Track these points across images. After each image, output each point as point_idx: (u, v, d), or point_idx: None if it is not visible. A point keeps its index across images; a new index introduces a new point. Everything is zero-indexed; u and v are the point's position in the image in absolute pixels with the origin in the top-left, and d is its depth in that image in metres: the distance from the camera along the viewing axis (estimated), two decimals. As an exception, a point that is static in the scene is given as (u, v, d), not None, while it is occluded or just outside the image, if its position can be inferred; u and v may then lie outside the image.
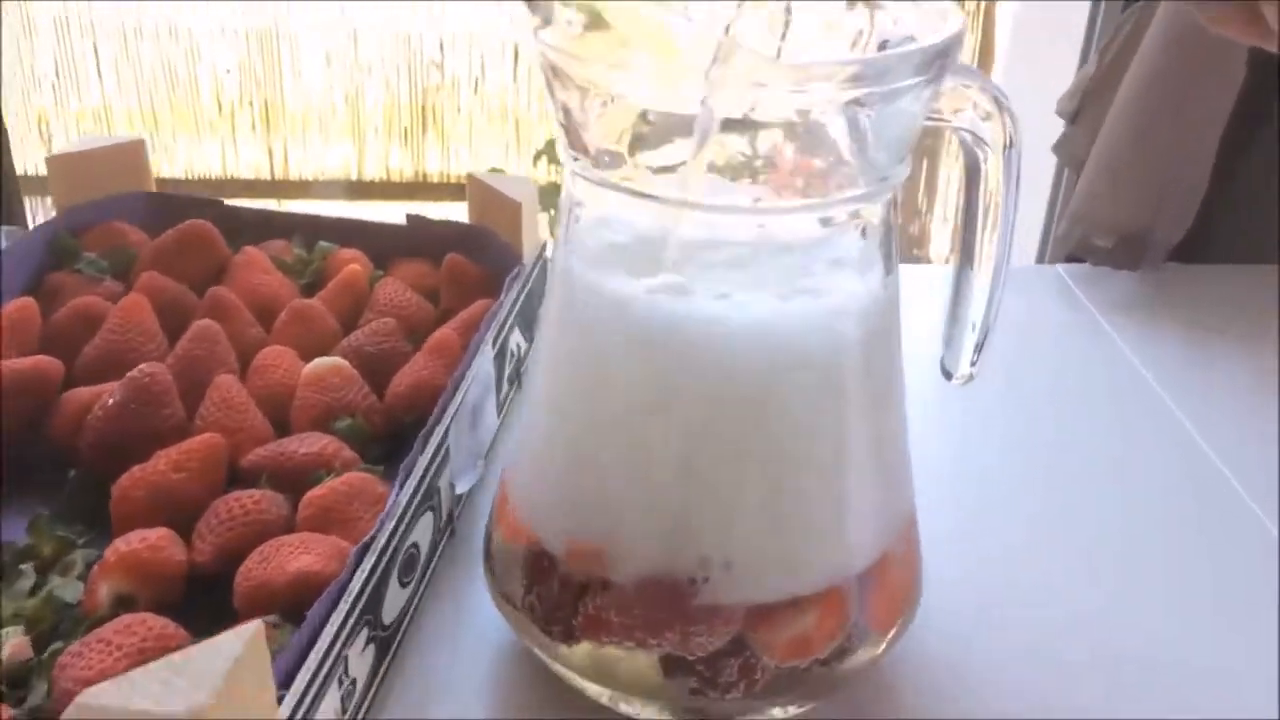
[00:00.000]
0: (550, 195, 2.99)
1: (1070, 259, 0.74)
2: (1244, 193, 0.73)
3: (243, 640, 0.30)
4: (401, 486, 0.41)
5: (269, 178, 3.20)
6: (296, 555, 0.38)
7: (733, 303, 0.33)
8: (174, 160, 3.13)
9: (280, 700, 0.32)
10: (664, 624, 0.35)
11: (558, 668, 0.39)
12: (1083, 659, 0.43)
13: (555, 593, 0.37)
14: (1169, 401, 0.60)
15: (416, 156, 3.19)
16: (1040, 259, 0.79)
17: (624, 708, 0.38)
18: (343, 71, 2.82)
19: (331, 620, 0.35)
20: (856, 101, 0.31)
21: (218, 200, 0.61)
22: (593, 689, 0.38)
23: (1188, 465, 0.55)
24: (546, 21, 0.31)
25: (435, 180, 3.25)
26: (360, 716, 0.38)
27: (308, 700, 0.33)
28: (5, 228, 0.64)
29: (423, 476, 0.42)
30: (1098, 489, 0.53)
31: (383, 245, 0.60)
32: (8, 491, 0.47)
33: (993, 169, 0.38)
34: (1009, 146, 0.37)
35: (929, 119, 0.35)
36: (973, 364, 0.42)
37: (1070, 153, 0.77)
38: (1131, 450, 0.56)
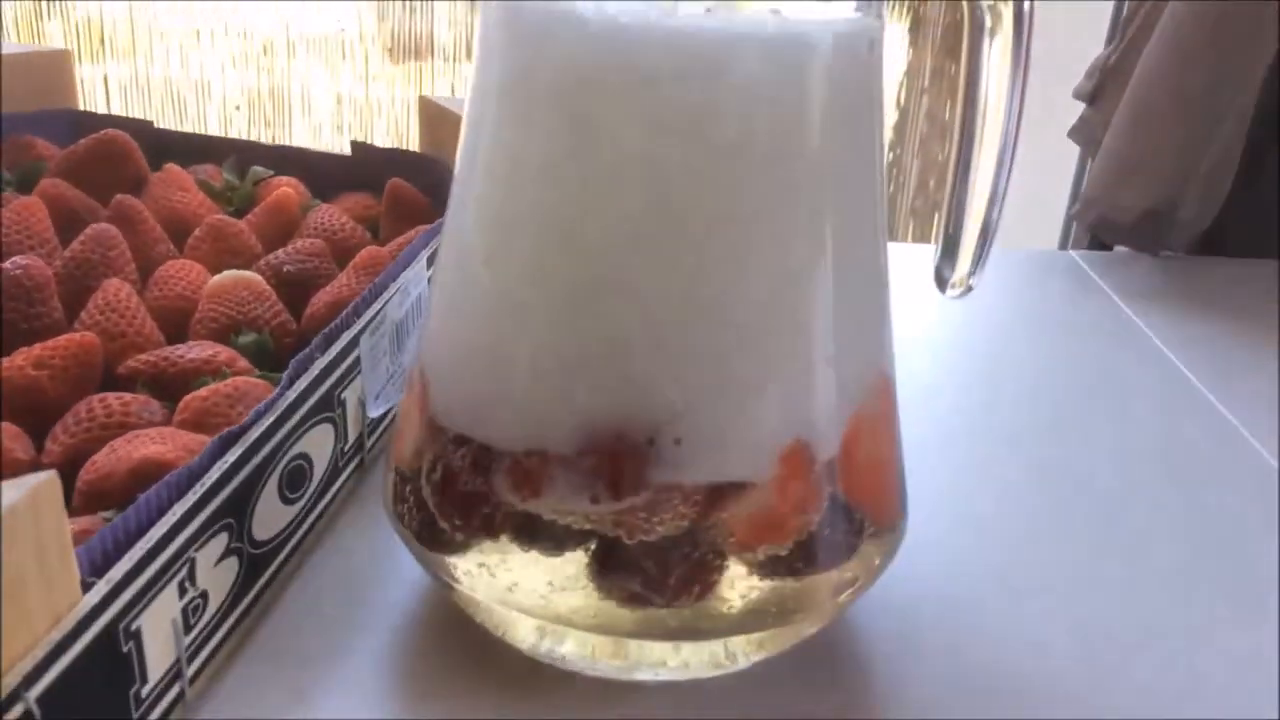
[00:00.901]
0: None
1: (1092, 245, 0.68)
2: (1270, 188, 0.67)
3: (21, 490, 0.23)
4: (290, 383, 0.34)
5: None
6: (146, 444, 0.32)
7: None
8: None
9: (87, 588, 0.25)
10: (607, 492, 0.29)
11: (465, 602, 0.32)
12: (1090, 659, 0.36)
13: (470, 470, 0.30)
14: (1196, 381, 0.53)
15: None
16: (1063, 246, 0.73)
17: (547, 644, 0.31)
18: (351, 112, 2.81)
19: (174, 510, 0.28)
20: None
21: (148, 121, 0.55)
22: (503, 615, 0.31)
23: (1218, 444, 0.48)
24: None
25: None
26: (213, 638, 0.31)
27: (127, 596, 0.26)
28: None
29: (320, 381, 0.36)
30: (1122, 471, 0.47)
31: (325, 176, 0.54)
32: None
33: (1004, 30, 0.32)
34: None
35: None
36: (972, 271, 0.36)
37: (1087, 136, 0.71)
38: (1159, 433, 0.50)
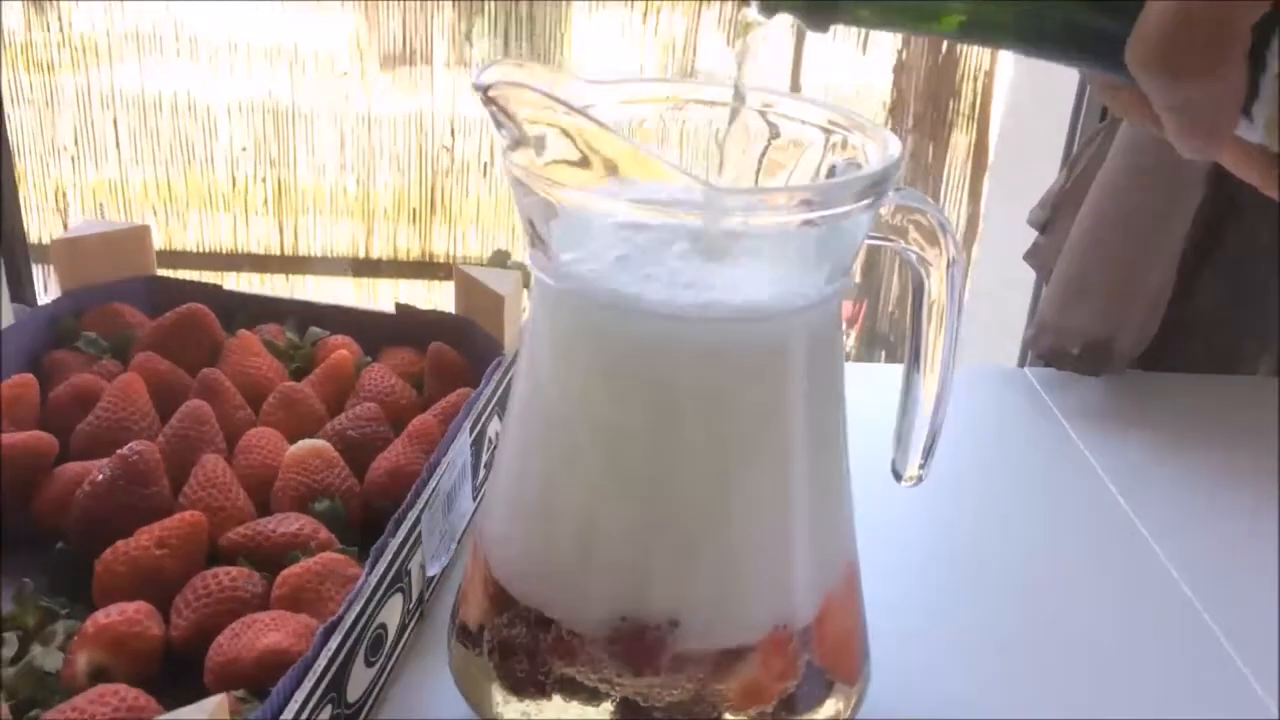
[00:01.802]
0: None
1: (1047, 363, 0.76)
2: (1207, 305, 0.76)
3: (205, 713, 0.31)
4: (372, 568, 0.43)
5: (279, 253, 3.26)
6: (265, 632, 0.40)
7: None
8: (186, 233, 3.19)
9: (242, 772, 0.34)
10: (629, 669, 0.37)
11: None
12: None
13: (524, 642, 0.38)
14: (1125, 505, 0.61)
15: (424, 237, 3.25)
16: (1022, 363, 0.82)
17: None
18: (355, 152, 2.88)
19: (295, 697, 0.36)
20: (809, 223, 0.34)
21: (216, 285, 0.64)
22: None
23: (1143, 573, 0.57)
24: (516, 146, 0.33)
25: (441, 259, 3.31)
26: (320, 792, 0.39)
27: (268, 774, 0.35)
28: (14, 305, 0.66)
29: (393, 559, 0.44)
30: (1053, 591, 0.55)
31: (372, 332, 0.62)
32: (-4, 562, 0.49)
33: (935, 284, 0.40)
34: (952, 265, 0.40)
35: (880, 238, 0.38)
36: (921, 466, 0.44)
37: (1040, 262, 0.80)
38: (1087, 554, 0.58)
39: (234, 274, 3.22)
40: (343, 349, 0.61)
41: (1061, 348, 0.72)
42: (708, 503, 0.37)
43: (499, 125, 0.33)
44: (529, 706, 0.39)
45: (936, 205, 0.39)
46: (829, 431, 0.39)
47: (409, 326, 0.62)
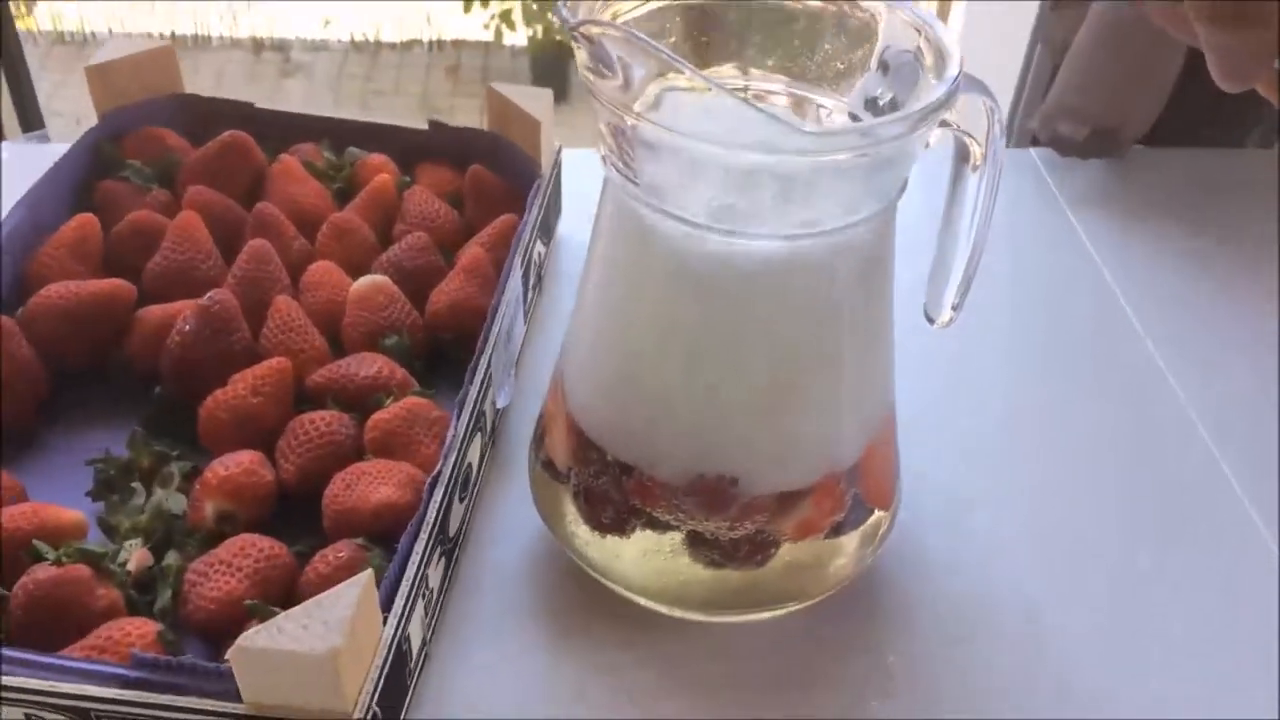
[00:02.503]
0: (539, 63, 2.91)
1: (1035, 144, 0.79)
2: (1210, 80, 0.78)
3: (359, 587, 0.37)
4: (458, 417, 0.47)
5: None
6: (376, 486, 0.45)
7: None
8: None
9: (384, 622, 0.40)
10: (701, 512, 0.43)
11: (588, 568, 0.46)
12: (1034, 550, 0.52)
13: (610, 491, 0.44)
14: (1123, 303, 0.67)
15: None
16: (1008, 141, 0.84)
17: (640, 598, 0.46)
18: None
19: (415, 550, 0.42)
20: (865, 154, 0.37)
21: (249, 104, 0.64)
22: (619, 582, 0.46)
23: (1136, 373, 0.62)
24: (602, 75, 0.35)
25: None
26: (435, 615, 0.46)
27: (403, 616, 0.41)
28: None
29: (474, 405, 0.49)
30: (1043, 388, 0.61)
31: (406, 148, 0.64)
32: (96, 404, 0.53)
33: (977, 151, 0.43)
34: (994, 139, 0.42)
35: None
36: (954, 309, 0.48)
37: (1049, 36, 0.81)
38: (1082, 351, 0.64)
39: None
40: (382, 170, 0.62)
41: (1066, 137, 0.74)
42: (769, 384, 0.41)
43: (592, 59, 0.34)
44: (610, 543, 0.45)
45: (990, 92, 0.41)
46: (879, 316, 0.43)
47: (442, 142, 0.64)
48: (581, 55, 0.36)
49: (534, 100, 0.61)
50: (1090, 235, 0.71)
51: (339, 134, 0.65)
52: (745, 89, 0.44)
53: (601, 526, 0.45)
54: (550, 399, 0.47)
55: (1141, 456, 0.57)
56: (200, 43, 3.15)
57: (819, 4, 0.42)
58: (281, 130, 0.64)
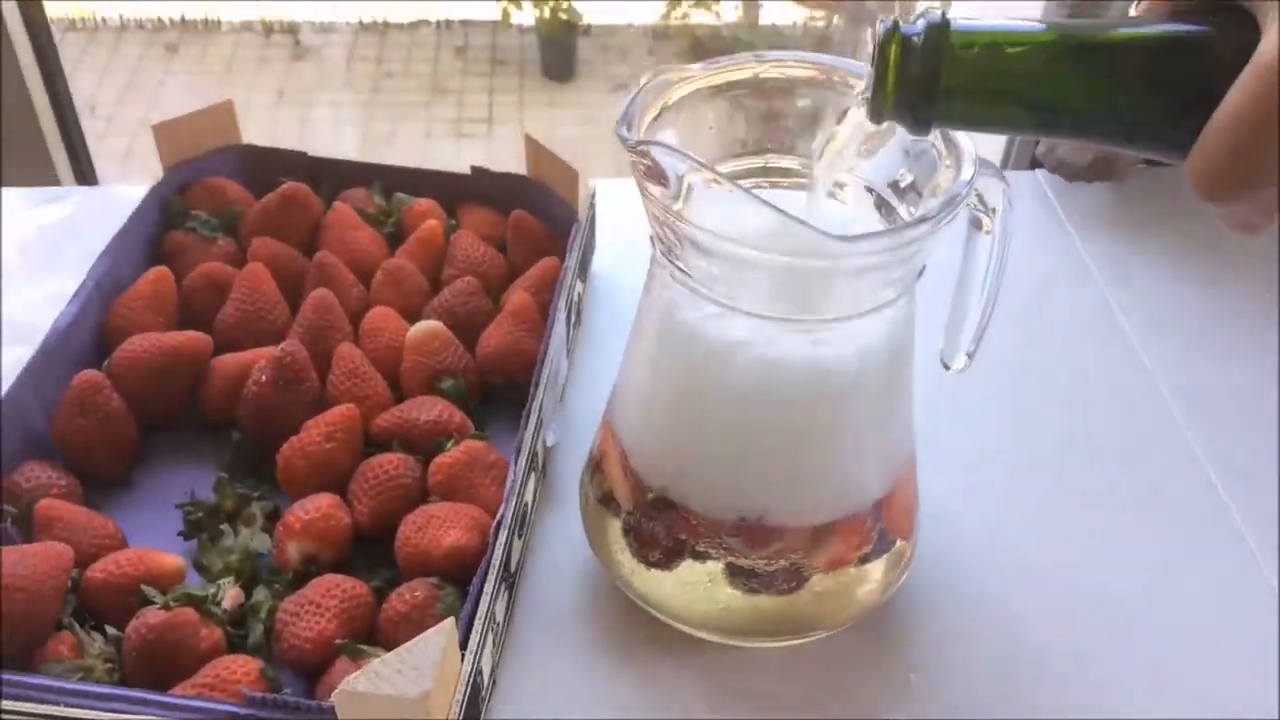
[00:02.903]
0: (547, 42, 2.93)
1: (1034, 166, 0.82)
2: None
3: (444, 635, 0.42)
4: (515, 462, 0.52)
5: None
6: (446, 530, 0.50)
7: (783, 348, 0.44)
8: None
9: (463, 659, 0.44)
10: (743, 549, 0.48)
11: (635, 597, 0.51)
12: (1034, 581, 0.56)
13: (659, 533, 0.48)
14: (1124, 325, 0.71)
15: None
16: (1005, 162, 0.88)
17: (683, 625, 0.51)
18: None
19: (485, 591, 0.47)
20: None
21: (301, 153, 0.69)
22: (663, 611, 0.51)
23: (1138, 394, 0.67)
24: (656, 183, 0.39)
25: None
26: (501, 644, 0.51)
27: (478, 652, 0.45)
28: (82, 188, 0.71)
29: (529, 447, 0.53)
30: (1040, 404, 0.65)
31: (451, 192, 0.68)
32: (177, 450, 0.58)
33: (987, 224, 0.47)
34: (1008, 209, 0.47)
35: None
36: (969, 356, 0.53)
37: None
38: (1082, 369, 0.68)
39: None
40: (431, 215, 0.67)
41: (1071, 162, 0.78)
42: (802, 445, 0.46)
43: (649, 174, 0.39)
44: (655, 575, 0.50)
45: (1001, 173, 0.45)
46: (901, 381, 0.47)
47: (484, 186, 0.68)
48: (638, 170, 0.40)
49: (571, 149, 0.65)
50: (1093, 257, 0.76)
51: (386, 178, 0.69)
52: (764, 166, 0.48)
53: (649, 562, 0.50)
54: (603, 439, 0.52)
55: (1138, 473, 0.61)
56: (210, 26, 3.17)
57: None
58: (334, 177, 0.68)
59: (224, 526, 0.53)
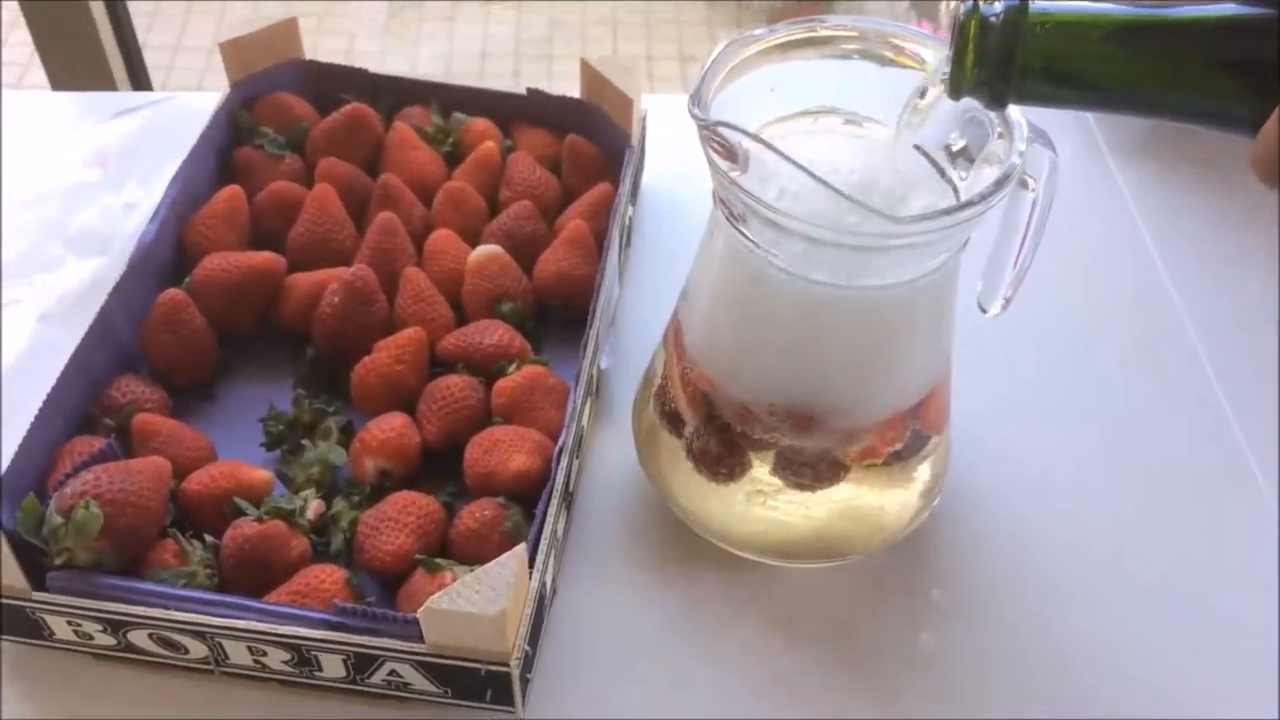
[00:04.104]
0: None
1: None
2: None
3: (516, 558, 0.46)
4: (576, 389, 0.55)
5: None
6: (512, 454, 0.54)
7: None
8: None
9: (530, 576, 0.49)
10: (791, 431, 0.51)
11: (682, 517, 0.56)
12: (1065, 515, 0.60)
13: (715, 436, 0.52)
14: (1157, 260, 0.73)
15: None
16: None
17: (729, 546, 0.55)
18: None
19: (549, 512, 0.51)
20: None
21: (363, 70, 0.70)
22: (709, 531, 0.55)
23: (1164, 332, 0.69)
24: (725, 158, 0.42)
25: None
26: (560, 559, 0.55)
27: (544, 570, 0.50)
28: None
29: (587, 375, 0.57)
30: (1072, 342, 0.68)
31: (507, 112, 0.70)
32: (255, 364, 0.62)
33: (1033, 189, 0.49)
34: (1052, 178, 0.49)
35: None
36: (1005, 302, 0.56)
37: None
38: (1114, 308, 0.71)
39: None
40: (485, 134, 0.69)
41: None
42: (852, 361, 0.49)
43: (721, 153, 0.41)
44: (705, 492, 0.54)
45: (1050, 142, 0.47)
46: (945, 320, 0.50)
47: (539, 108, 0.70)
48: (709, 146, 0.43)
49: (626, 76, 0.67)
50: (1132, 191, 0.77)
51: (443, 97, 0.71)
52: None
53: (714, 473, 0.53)
54: (667, 360, 0.55)
55: (1160, 414, 0.65)
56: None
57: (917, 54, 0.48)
58: (392, 94, 0.70)
59: (304, 442, 0.57)
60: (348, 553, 0.53)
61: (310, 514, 0.54)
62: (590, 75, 0.68)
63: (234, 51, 0.68)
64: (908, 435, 0.52)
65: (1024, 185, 0.50)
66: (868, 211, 0.40)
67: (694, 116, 0.41)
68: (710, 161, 0.43)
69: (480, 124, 0.70)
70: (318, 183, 0.64)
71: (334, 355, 0.60)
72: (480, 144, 0.68)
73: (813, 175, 0.40)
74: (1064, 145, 0.80)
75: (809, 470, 0.51)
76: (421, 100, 0.71)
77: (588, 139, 0.68)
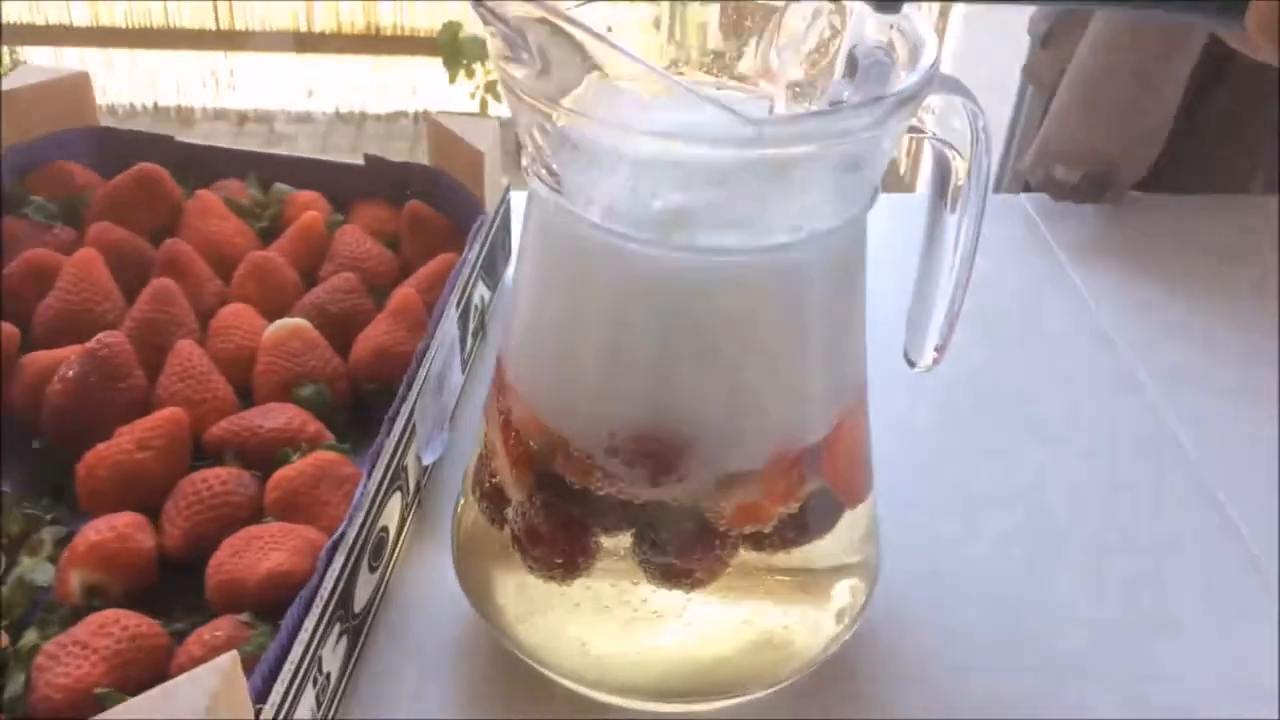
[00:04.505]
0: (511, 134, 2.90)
1: (1028, 189, 0.74)
2: (1206, 126, 0.73)
3: (219, 673, 0.30)
4: (370, 474, 0.41)
5: (214, 28, 3.12)
6: (267, 552, 0.39)
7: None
8: (115, 11, 3.04)
9: (258, 714, 0.33)
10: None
11: (515, 649, 0.40)
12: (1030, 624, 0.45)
13: (549, 514, 0.37)
14: (1118, 344, 0.61)
15: (368, 9, 3.11)
16: (998, 188, 0.79)
17: (583, 687, 0.40)
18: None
19: (305, 625, 0.36)
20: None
21: (168, 137, 0.59)
22: (558, 668, 0.39)
23: (1133, 414, 0.57)
24: (514, 60, 0.30)
25: (388, 33, 3.18)
26: (334, 707, 0.39)
27: (286, 705, 0.34)
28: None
29: (391, 458, 0.42)
30: (1037, 430, 0.55)
31: (341, 186, 0.59)
32: (-31, 461, 0.47)
33: (961, 169, 0.38)
34: (980, 151, 0.37)
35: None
36: (936, 351, 0.43)
37: (1037, 76, 0.76)
38: (1079, 392, 0.58)
39: (168, 51, 3.08)
40: (312, 208, 0.57)
41: (1060, 176, 0.69)
42: (721, 376, 0.35)
43: (495, 35, 0.29)
44: (552, 597, 0.38)
45: (971, 94, 0.35)
46: (847, 318, 0.37)
47: (380, 178, 0.58)
48: (495, 44, 0.31)
49: (477, 130, 0.56)
50: (1086, 283, 0.66)
51: (267, 169, 0.59)
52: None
53: (546, 562, 0.38)
54: (489, 416, 0.40)
55: (1138, 498, 0.52)
56: (184, 114, 3.14)
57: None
58: (205, 165, 0.59)
59: (14, 558, 0.42)
60: (25, 700, 0.37)
61: (-22, 649, 0.38)
62: (437, 134, 0.57)
63: (11, 108, 0.56)
64: (805, 493, 0.38)
65: (943, 184, 0.38)
66: (730, 115, 0.28)
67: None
68: (505, 83, 0.31)
69: (306, 196, 0.58)
70: (85, 247, 0.52)
71: (68, 446, 0.45)
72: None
73: (642, 61, 0.28)
74: (1016, 249, 0.70)
75: (672, 545, 0.36)
76: (240, 173, 0.59)
77: (434, 207, 0.56)
